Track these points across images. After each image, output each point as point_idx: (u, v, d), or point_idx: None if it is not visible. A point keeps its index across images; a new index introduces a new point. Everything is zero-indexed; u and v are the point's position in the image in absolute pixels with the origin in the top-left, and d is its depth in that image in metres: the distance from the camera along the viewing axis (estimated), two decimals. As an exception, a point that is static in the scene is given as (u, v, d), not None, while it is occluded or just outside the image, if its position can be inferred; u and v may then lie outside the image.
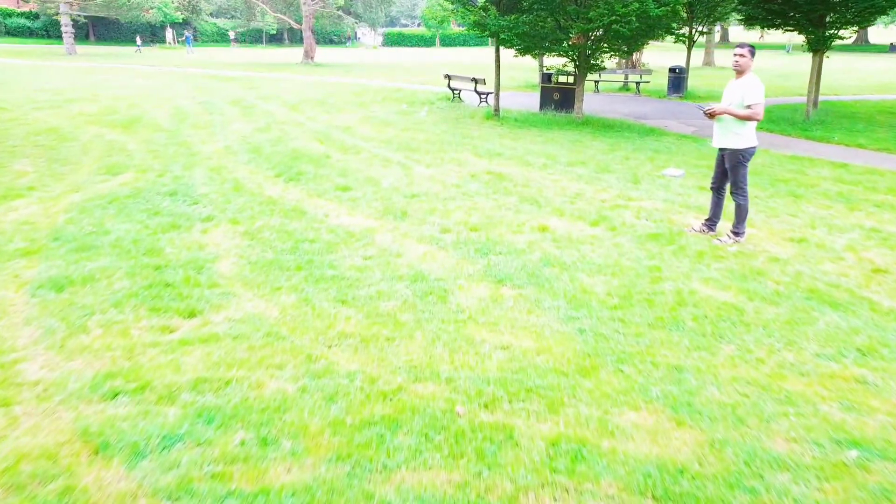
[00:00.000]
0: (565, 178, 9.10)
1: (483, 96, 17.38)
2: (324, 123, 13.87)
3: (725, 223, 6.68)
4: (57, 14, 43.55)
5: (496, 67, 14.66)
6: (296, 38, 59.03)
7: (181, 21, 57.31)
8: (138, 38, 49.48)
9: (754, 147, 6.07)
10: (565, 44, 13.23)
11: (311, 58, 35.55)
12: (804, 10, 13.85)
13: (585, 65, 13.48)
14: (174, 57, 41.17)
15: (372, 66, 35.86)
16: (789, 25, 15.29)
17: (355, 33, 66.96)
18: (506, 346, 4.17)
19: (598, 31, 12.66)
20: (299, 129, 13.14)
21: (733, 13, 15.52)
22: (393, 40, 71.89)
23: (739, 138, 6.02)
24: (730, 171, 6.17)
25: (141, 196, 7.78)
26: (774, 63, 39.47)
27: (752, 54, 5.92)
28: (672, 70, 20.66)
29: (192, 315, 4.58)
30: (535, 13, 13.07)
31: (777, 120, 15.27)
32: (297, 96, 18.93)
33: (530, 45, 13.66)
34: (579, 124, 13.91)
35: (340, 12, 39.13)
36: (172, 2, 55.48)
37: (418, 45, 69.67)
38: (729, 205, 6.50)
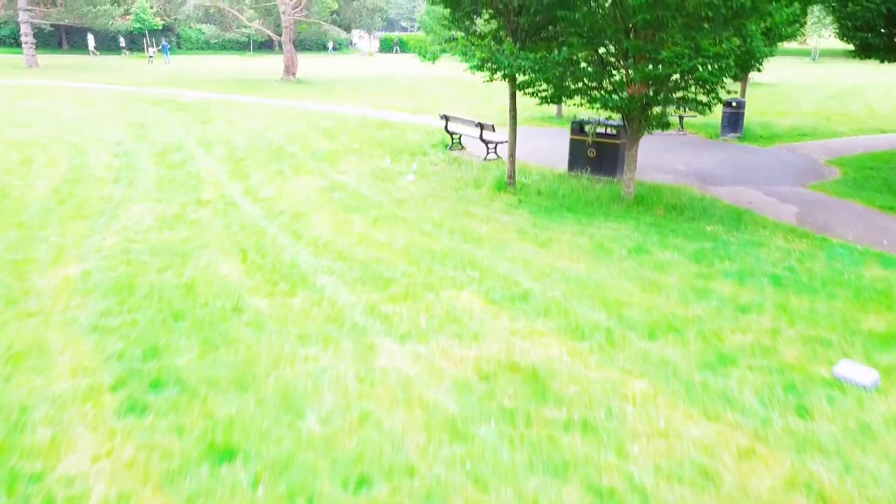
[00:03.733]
0: (659, 391, 4.84)
1: (491, 146, 13.16)
2: (264, 205, 9.62)
3: None
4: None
5: (511, 119, 10.42)
6: (285, 45, 54.76)
7: (161, 28, 52.99)
8: (122, 40, 48.66)
9: None
10: (616, 96, 8.83)
11: (293, 74, 31.29)
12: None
13: (644, 121, 9.21)
14: (140, 69, 36.82)
15: (361, 81, 31.57)
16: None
17: (350, 40, 62.57)
18: None
19: (671, 76, 8.41)
20: (223, 218, 8.91)
21: (848, 39, 11.24)
22: (391, 46, 67.57)
23: None
24: None
25: None
26: (808, 74, 34.83)
27: None
28: (728, 104, 16.36)
29: None
30: (568, 45, 8.84)
31: (898, 188, 11.01)
32: (251, 140, 14.67)
33: (562, 92, 9.42)
34: (631, 206, 9.66)
35: (325, 23, 34.73)
36: (151, 7, 51.18)
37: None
38: None
